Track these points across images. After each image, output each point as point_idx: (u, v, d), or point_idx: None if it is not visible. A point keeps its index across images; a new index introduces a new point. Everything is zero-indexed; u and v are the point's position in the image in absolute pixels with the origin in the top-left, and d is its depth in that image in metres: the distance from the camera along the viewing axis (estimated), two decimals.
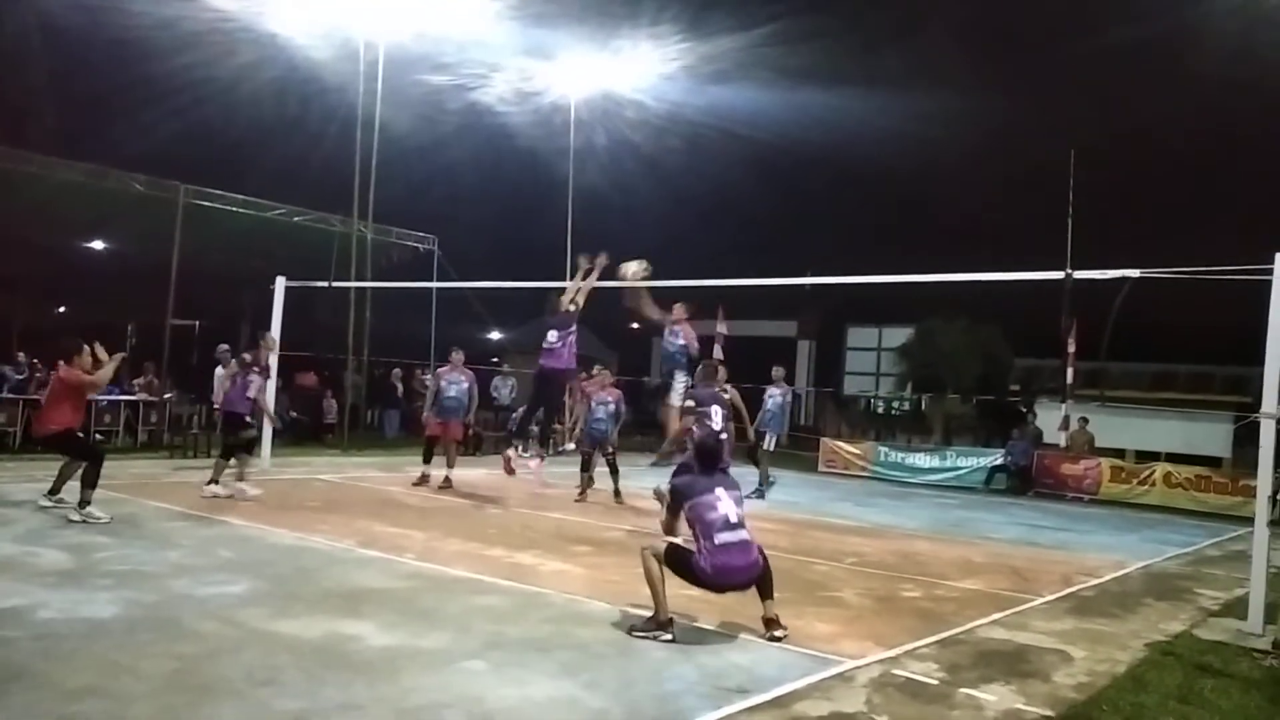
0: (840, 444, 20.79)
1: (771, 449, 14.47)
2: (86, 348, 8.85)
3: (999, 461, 18.84)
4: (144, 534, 8.14)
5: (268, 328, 13.41)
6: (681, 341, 11.11)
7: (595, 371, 13.74)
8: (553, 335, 10.79)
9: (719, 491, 5.92)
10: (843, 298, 29.35)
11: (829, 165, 31.48)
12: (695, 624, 6.15)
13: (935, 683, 5.26)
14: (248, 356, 11.12)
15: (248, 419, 10.97)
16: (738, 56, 23.08)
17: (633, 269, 10.52)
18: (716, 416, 9.90)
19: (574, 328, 10.82)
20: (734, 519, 5.89)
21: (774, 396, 14.69)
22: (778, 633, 5.83)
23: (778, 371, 15.13)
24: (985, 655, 5.94)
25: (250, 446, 11.17)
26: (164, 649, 4.95)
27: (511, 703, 4.49)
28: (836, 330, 37.52)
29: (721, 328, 25.36)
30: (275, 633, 5.38)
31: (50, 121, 21.41)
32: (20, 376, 16.18)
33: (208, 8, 17.19)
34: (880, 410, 32.91)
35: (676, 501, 6.08)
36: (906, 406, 30.63)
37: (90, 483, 8.53)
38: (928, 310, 26.95)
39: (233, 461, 10.74)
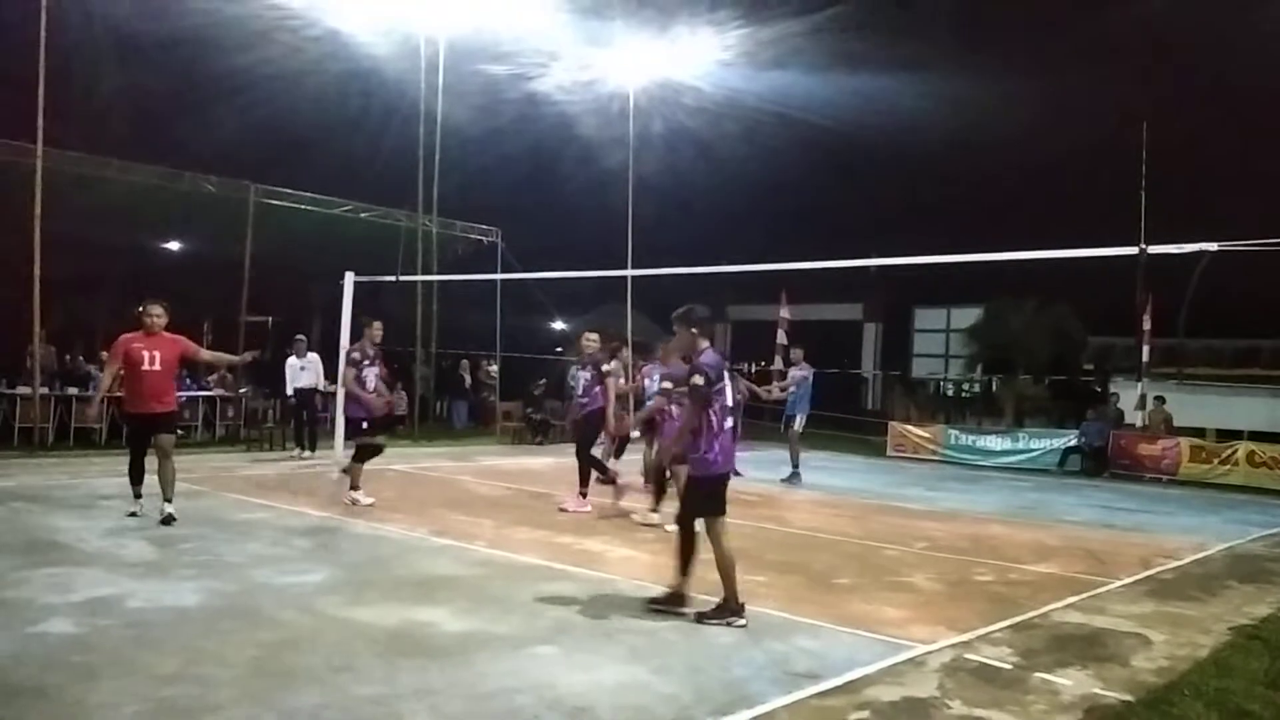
0: (909, 427, 20.51)
1: (800, 430, 14.47)
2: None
3: (1073, 443, 18.42)
4: (224, 526, 8.38)
5: (337, 322, 13.66)
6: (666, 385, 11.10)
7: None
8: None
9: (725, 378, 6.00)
10: (909, 279, 28.90)
11: (890, 149, 30.93)
12: (762, 609, 6.15)
13: (1009, 667, 5.19)
14: (355, 354, 10.16)
15: (364, 424, 10.03)
16: (796, 42, 22.83)
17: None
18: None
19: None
20: (730, 402, 6.01)
21: (797, 377, 14.57)
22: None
23: (796, 353, 14.97)
24: (1060, 639, 5.84)
25: (378, 450, 10.26)
26: (246, 636, 5.10)
27: (582, 687, 4.54)
28: (903, 312, 36.96)
29: (784, 312, 25.26)
30: (352, 620, 5.51)
31: (125, 125, 22.03)
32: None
33: (271, 6, 17.52)
34: (950, 393, 32.40)
35: (707, 389, 5.84)
36: (976, 388, 30.07)
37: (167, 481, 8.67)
38: (997, 290, 26.38)
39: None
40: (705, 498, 5.92)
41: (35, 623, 5.16)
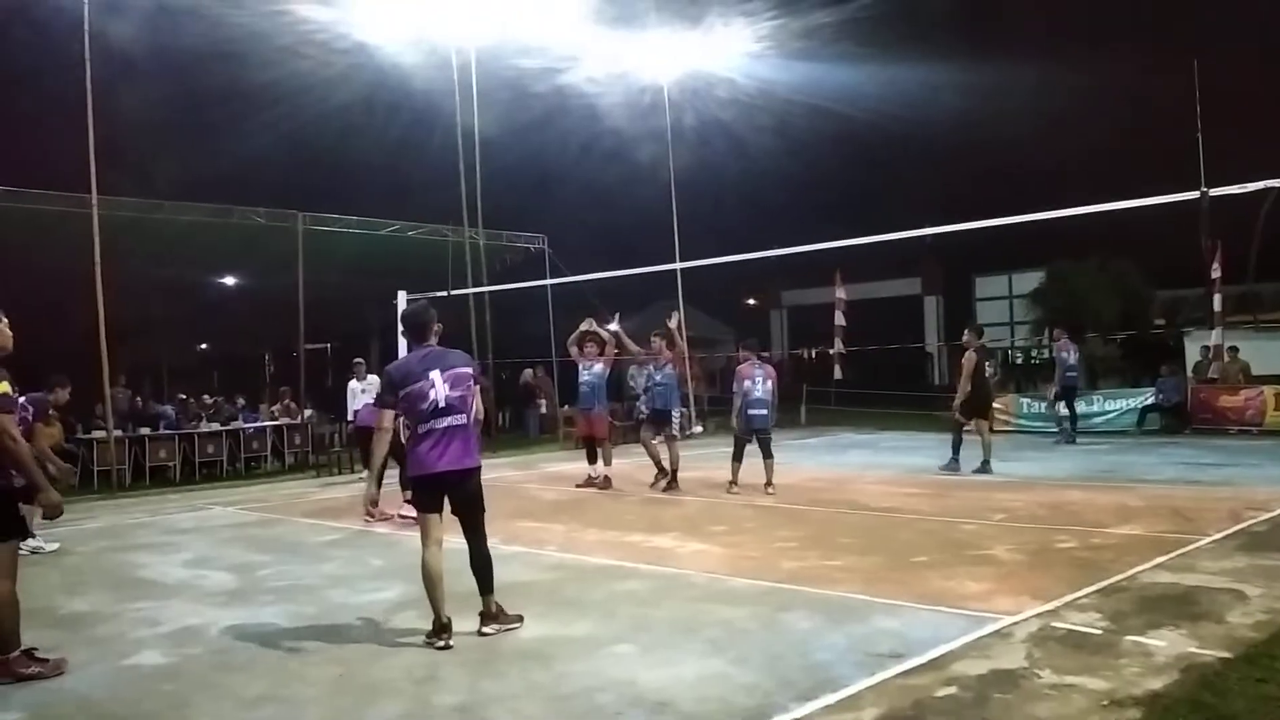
0: None
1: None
2: None
3: (1150, 401, 17.92)
4: (299, 550, 8.51)
5: (395, 342, 13.80)
6: (671, 369, 11.78)
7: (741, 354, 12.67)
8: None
9: None
10: (966, 248, 28.43)
11: (933, 128, 30.61)
12: (841, 592, 6.06)
13: (1099, 632, 5.04)
14: None
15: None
16: (830, 31, 22.60)
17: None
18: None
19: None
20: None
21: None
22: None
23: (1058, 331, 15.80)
24: (1151, 601, 5.65)
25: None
26: (328, 655, 5.16)
27: (662, 683, 4.50)
28: (963, 282, 36.41)
29: (840, 293, 25.00)
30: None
31: (172, 167, 22.63)
32: (176, 414, 17.18)
33: (307, 33, 17.81)
34: (1018, 360, 31.79)
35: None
36: (1046, 354, 29.48)
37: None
38: (1057, 252, 25.85)
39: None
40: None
41: (128, 655, 5.28)
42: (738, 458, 11.15)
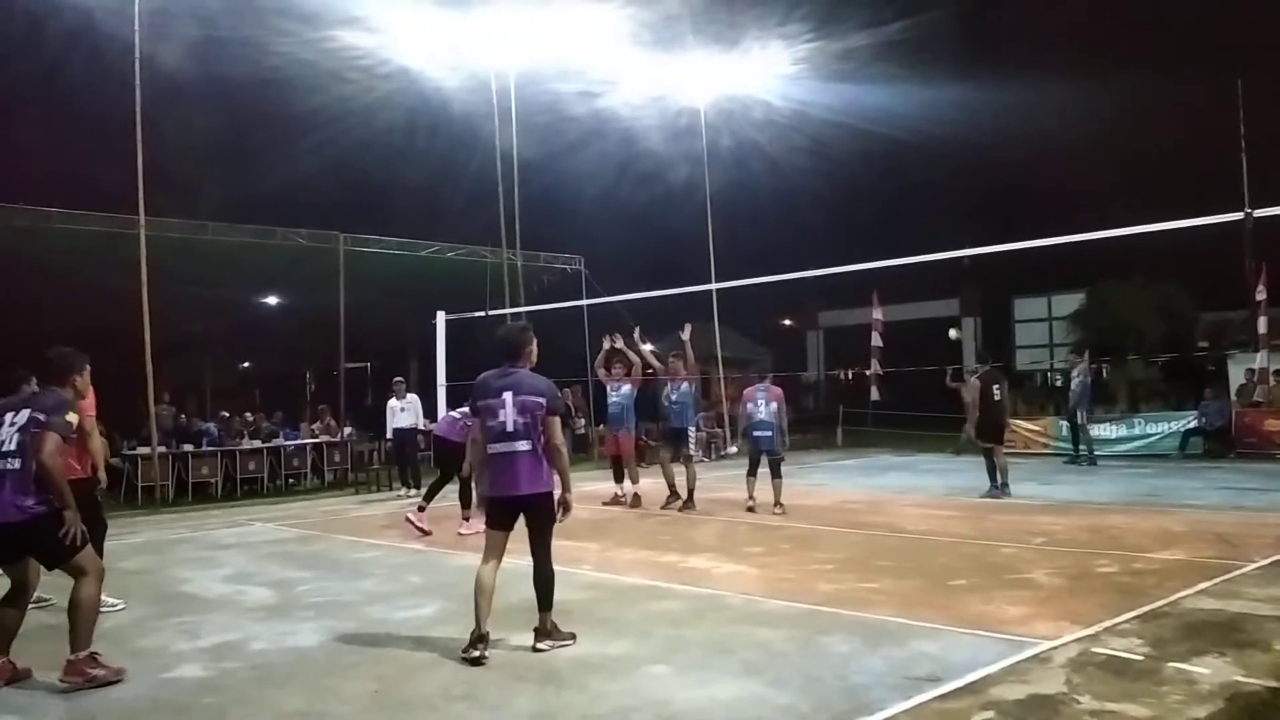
0: (1018, 421, 19.86)
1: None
2: None
3: (1193, 424, 17.64)
4: (338, 567, 8.59)
5: (433, 362, 13.95)
6: (688, 388, 11.92)
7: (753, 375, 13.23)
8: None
9: None
10: (1005, 270, 28.17)
11: (970, 150, 30.36)
12: (878, 615, 6.02)
13: (1140, 658, 4.97)
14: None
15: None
16: (867, 53, 22.60)
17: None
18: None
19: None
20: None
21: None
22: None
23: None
24: (1194, 627, 5.56)
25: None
26: (365, 671, 5.21)
27: (698, 704, 4.50)
28: (1001, 304, 36.02)
29: (877, 314, 24.85)
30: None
31: (217, 189, 23.06)
32: (219, 432, 17.42)
33: (350, 59, 18.10)
34: (1058, 383, 31.39)
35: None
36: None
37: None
38: (1098, 273, 25.55)
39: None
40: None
41: (168, 669, 5.36)
42: (752, 473, 11.43)
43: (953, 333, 12.61)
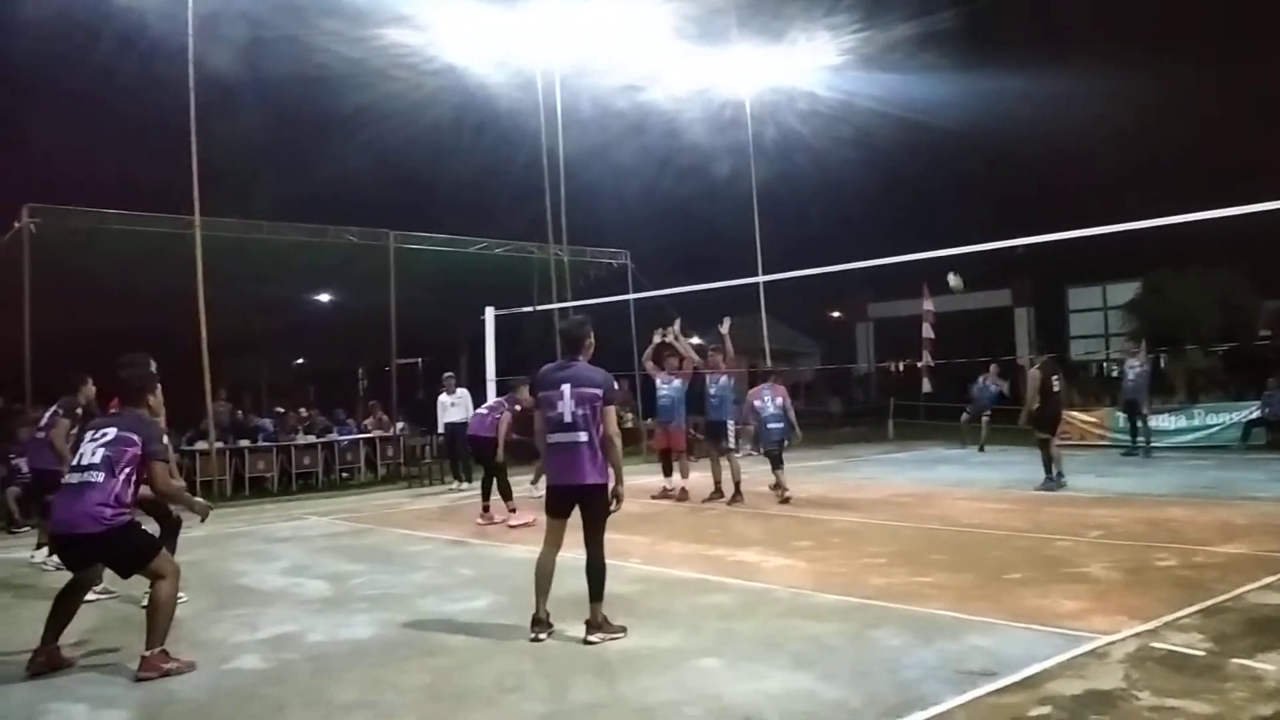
0: (1073, 413, 19.51)
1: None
2: None
3: (1255, 415, 17.21)
4: (392, 560, 8.71)
5: (482, 357, 14.07)
6: (727, 381, 12.04)
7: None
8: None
9: None
10: (1059, 259, 27.68)
11: (1023, 140, 29.84)
12: (931, 609, 5.96)
13: (1202, 654, 4.86)
14: (518, 407, 10.97)
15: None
16: (915, 43, 22.29)
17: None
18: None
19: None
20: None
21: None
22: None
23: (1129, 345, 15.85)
24: (1258, 622, 5.43)
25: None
26: (419, 663, 5.27)
27: (748, 697, 4.49)
28: (1055, 294, 35.41)
29: (928, 305, 24.57)
30: (517, 641, 5.62)
31: (270, 189, 23.43)
32: (274, 427, 17.72)
33: (397, 57, 18.27)
34: (1113, 373, 30.82)
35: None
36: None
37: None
38: (1154, 261, 25.02)
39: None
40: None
41: (228, 660, 5.47)
42: (779, 465, 11.96)
43: (952, 279, 12.43)
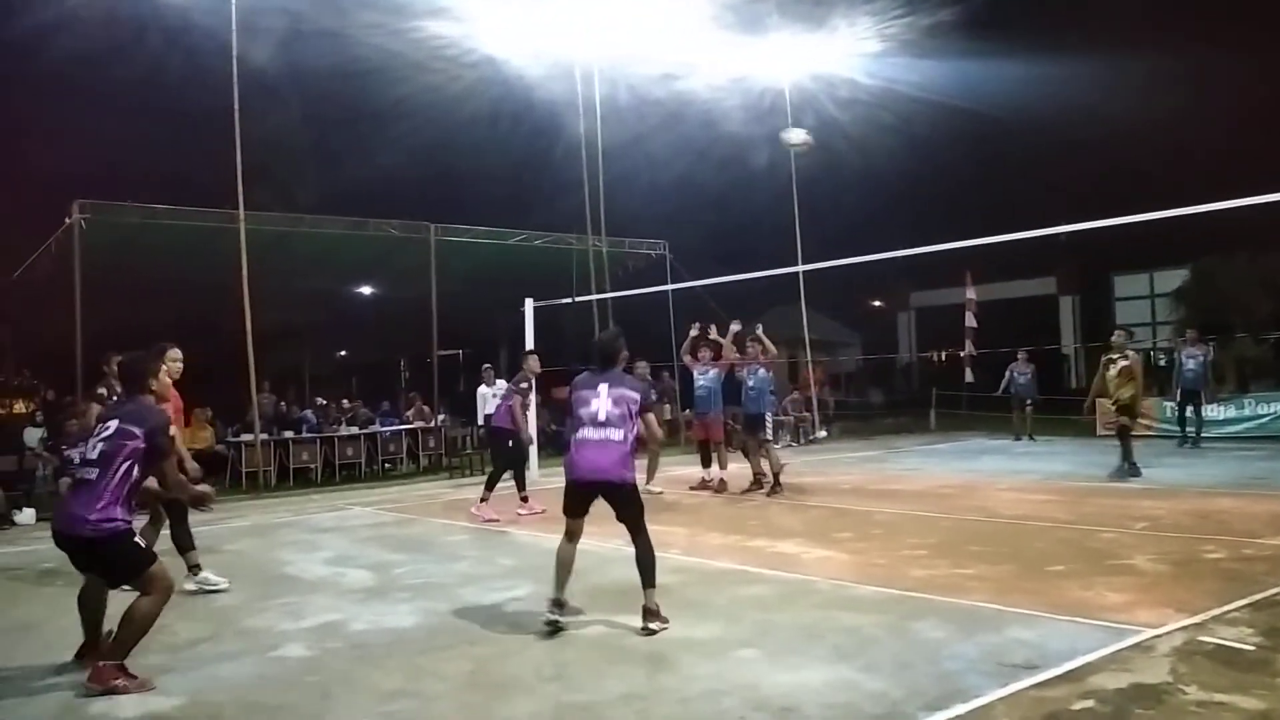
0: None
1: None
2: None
3: None
4: (433, 550, 8.80)
5: (522, 348, 14.12)
6: (765, 373, 11.98)
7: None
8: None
9: None
10: (1105, 246, 27.18)
11: (1063, 123, 29.34)
12: (972, 601, 5.91)
13: (1251, 649, 4.78)
14: (524, 384, 11.11)
15: (509, 443, 11.01)
16: (956, 28, 21.99)
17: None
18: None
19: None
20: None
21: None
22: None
23: (1191, 333, 16.14)
24: None
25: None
26: (460, 652, 5.33)
27: (787, 688, 4.49)
28: (1101, 281, 34.83)
29: (970, 293, 24.30)
30: (558, 631, 5.65)
31: (312, 183, 23.71)
32: (316, 419, 17.97)
33: (436, 49, 18.36)
34: (1161, 362, 30.28)
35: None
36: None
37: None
38: (1203, 248, 24.52)
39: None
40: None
41: (274, 647, 5.56)
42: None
43: (794, 135, 12.16)
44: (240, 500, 13.47)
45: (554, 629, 5.55)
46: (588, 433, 5.74)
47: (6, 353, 25.19)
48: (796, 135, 10.96)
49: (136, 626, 4.83)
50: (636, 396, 5.83)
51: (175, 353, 6.97)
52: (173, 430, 5.06)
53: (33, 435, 14.61)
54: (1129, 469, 11.90)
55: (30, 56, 20.35)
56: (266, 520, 11.35)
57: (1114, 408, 12.34)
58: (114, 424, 5.00)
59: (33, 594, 7.44)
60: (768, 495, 11.54)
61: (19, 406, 21.48)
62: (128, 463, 4.89)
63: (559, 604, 5.68)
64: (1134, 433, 12.45)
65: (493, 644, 5.48)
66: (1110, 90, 26.30)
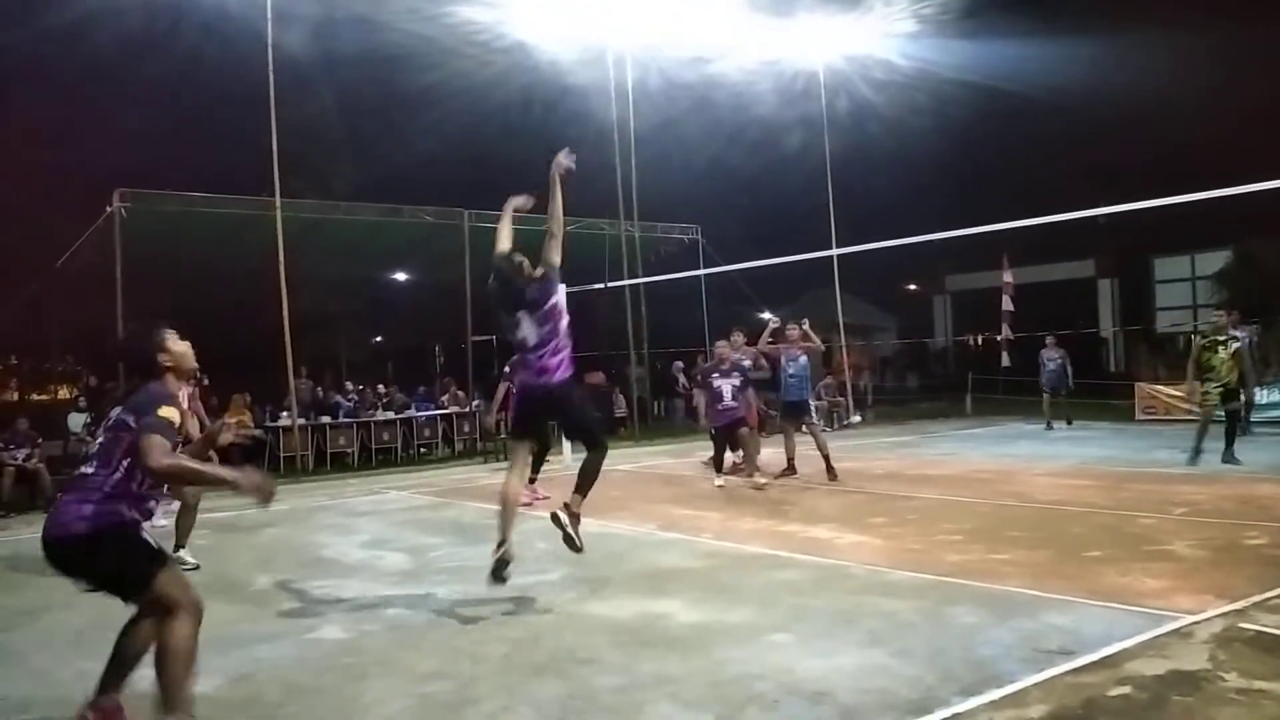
0: (1159, 388, 18.93)
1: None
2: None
3: None
4: (468, 533, 8.85)
5: None
6: (805, 360, 11.83)
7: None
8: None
9: None
10: (1145, 228, 26.75)
11: (1101, 103, 28.85)
12: (1008, 587, 5.88)
13: None
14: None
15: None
16: (992, 8, 21.67)
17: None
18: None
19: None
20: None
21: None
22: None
23: (1234, 315, 14.40)
24: None
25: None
26: (496, 634, 5.38)
27: (821, 672, 4.49)
28: (1141, 264, 34.31)
29: (1007, 276, 24.01)
30: (592, 614, 5.70)
31: (347, 171, 23.88)
32: (352, 404, 18.15)
33: (468, 34, 18.39)
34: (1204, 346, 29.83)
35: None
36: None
37: None
38: (1245, 229, 24.08)
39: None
40: None
41: (312, 629, 5.65)
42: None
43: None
44: (278, 484, 13.60)
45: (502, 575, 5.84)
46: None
47: (51, 340, 25.68)
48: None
49: (180, 662, 3.82)
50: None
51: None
52: (172, 413, 3.99)
53: (77, 420, 14.90)
54: (1195, 456, 11.54)
55: (70, 50, 20.67)
56: (304, 504, 11.49)
57: (1218, 391, 11.80)
58: (115, 413, 4.13)
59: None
60: (830, 479, 11.39)
61: (63, 392, 21.90)
62: (128, 459, 3.96)
63: (501, 544, 5.94)
64: (1171, 417, 12.24)
65: (528, 627, 5.52)
66: (1148, 69, 25.78)
